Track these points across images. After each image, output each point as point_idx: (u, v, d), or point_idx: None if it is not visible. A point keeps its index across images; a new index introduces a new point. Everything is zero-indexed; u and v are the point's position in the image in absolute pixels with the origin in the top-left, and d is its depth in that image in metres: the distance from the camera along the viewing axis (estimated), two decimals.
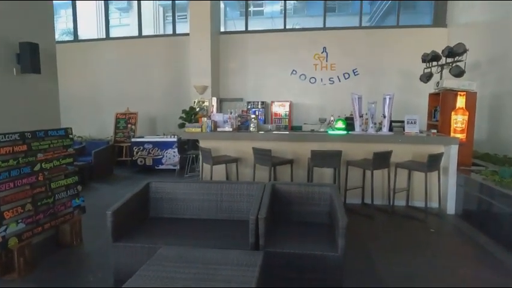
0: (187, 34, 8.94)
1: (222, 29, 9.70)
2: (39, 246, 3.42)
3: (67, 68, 9.97)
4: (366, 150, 4.98)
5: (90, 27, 10.82)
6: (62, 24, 12.08)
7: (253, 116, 5.77)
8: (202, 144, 5.60)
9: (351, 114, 5.87)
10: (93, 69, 9.91)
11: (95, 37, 10.46)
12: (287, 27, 9.41)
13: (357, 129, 5.28)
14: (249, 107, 9.02)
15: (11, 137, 3.08)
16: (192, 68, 8.89)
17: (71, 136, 3.86)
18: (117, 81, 9.83)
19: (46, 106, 3.66)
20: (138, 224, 3.20)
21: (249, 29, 9.54)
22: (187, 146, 7.27)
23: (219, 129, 5.61)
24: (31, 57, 3.19)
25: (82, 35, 10.52)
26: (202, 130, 5.57)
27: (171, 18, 10.11)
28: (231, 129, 5.54)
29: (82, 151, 8.04)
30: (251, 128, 5.52)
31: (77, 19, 10.15)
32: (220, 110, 9.10)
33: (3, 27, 3.11)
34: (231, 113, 5.85)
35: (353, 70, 8.89)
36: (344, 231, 2.64)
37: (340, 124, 5.38)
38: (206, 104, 7.81)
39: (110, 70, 9.83)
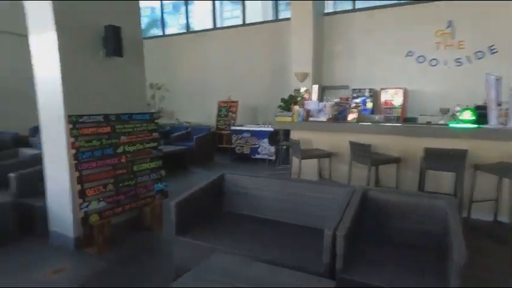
0: (289, 19, 8.42)
1: (326, 10, 8.76)
2: (119, 226, 3.52)
3: (180, 57, 10.88)
4: (503, 151, 3.58)
5: (203, 20, 11.47)
6: (182, 20, 13.17)
7: (354, 103, 4.86)
8: (293, 135, 5.04)
9: (485, 103, 4.32)
10: (201, 58, 10.47)
11: (205, 28, 10.99)
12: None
13: (493, 121, 3.82)
14: (354, 95, 7.93)
15: (95, 118, 3.18)
16: (293, 54, 8.36)
17: (156, 121, 3.88)
18: (221, 70, 10.12)
19: (132, 90, 3.73)
20: (208, 218, 2.90)
21: (357, 7, 8.32)
22: (281, 137, 6.83)
23: (311, 119, 4.94)
24: (114, 41, 3.22)
25: (195, 27, 11.25)
26: (292, 119, 5.01)
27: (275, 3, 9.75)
28: (324, 119, 4.79)
29: (187, 136, 8.55)
30: (350, 118, 4.65)
31: (190, 12, 10.91)
32: (321, 98, 8.32)
33: (92, 11, 3.20)
34: (328, 101, 5.08)
35: (490, 47, 6.75)
36: (459, 269, 1.72)
37: (467, 115, 4.00)
38: (304, 91, 7.17)
39: (216, 59, 10.18)
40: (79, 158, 3.01)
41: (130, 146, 3.51)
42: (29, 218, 3.50)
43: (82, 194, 3.01)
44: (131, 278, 2.76)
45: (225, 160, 8.18)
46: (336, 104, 4.96)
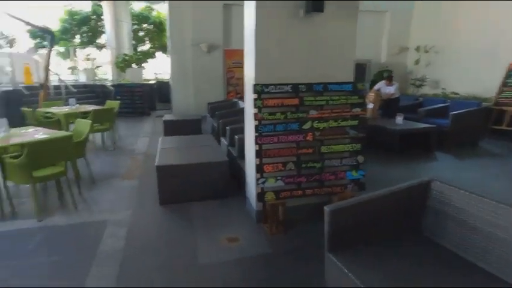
0: None
1: None
2: (302, 210, 3.17)
3: (457, 13, 8.33)
4: None
5: None
6: None
7: None
8: None
9: None
10: (485, 15, 7.48)
11: None
12: None
13: None
14: None
15: (283, 88, 2.84)
16: None
17: (361, 93, 3.02)
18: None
19: (333, 55, 3.00)
20: (387, 237, 1.97)
21: None
22: None
23: None
24: None
25: None
26: None
27: None
28: None
29: (442, 111, 6.67)
30: None
31: None
32: None
33: None
34: None
35: None
36: None
37: None
38: None
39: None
40: (260, 131, 2.84)
41: (320, 123, 2.95)
42: (238, 178, 3.89)
43: (259, 168, 2.87)
44: (281, 276, 2.38)
45: (498, 148, 5.71)
46: None
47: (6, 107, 7.47)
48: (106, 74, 14.46)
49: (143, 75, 14.38)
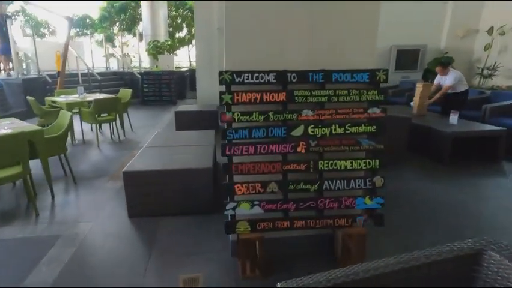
0: None
1: None
2: (288, 243, 2.32)
3: None
4: None
5: None
6: None
7: None
8: None
9: None
10: None
11: None
12: None
13: None
14: None
15: (263, 77, 1.98)
16: None
17: (383, 86, 2.05)
18: None
19: (346, 27, 2.05)
20: None
21: None
22: None
23: None
24: None
25: None
26: None
27: None
28: None
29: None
30: None
31: None
32: None
33: None
34: None
35: None
36: None
37: None
38: None
39: None
40: (229, 137, 2.02)
41: (317, 128, 2.05)
42: None
43: (228, 189, 2.07)
44: None
45: None
46: None
47: (29, 95, 7.45)
48: (143, 62, 14.44)
49: (176, 63, 14.09)
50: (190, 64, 15.97)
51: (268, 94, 2.00)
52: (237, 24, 2.00)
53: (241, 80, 1.97)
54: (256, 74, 1.97)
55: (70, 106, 5.23)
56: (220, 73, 1.96)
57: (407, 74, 8.51)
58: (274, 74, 1.98)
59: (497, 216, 2.98)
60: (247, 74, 1.97)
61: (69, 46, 7.71)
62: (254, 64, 2.02)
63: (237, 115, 2.00)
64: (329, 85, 2.03)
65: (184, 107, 7.01)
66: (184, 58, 19.09)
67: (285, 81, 2.00)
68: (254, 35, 2.03)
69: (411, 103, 5.53)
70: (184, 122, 5.94)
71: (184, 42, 16.59)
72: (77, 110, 5.29)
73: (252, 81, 1.98)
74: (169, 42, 13.37)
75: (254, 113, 2.01)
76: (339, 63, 2.06)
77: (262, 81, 1.98)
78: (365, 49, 2.14)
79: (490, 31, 7.49)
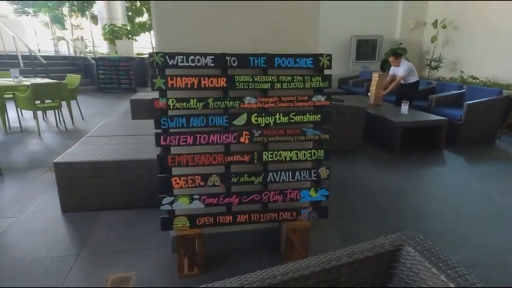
0: None
1: None
2: (230, 238, 2.22)
3: None
4: None
5: None
6: None
7: None
8: None
9: None
10: None
11: None
12: None
13: None
14: None
15: (199, 59, 1.81)
16: None
17: (327, 72, 1.96)
18: None
19: (288, 9, 1.94)
20: None
21: None
22: None
23: None
24: None
25: None
26: None
27: None
28: None
29: (456, 100, 5.50)
30: None
31: None
32: None
33: None
34: None
35: None
36: None
37: None
38: None
39: None
40: (164, 126, 1.85)
41: (261, 117, 1.93)
42: None
43: (164, 182, 1.91)
44: None
45: None
46: None
47: None
48: (100, 47, 13.52)
49: (137, 49, 13.39)
50: (153, 50, 15.28)
51: (206, 79, 1.84)
52: (169, 1, 1.81)
53: (174, 62, 1.79)
54: (192, 57, 1.79)
55: (1, 90, 4.69)
56: (151, 55, 1.76)
57: (367, 65, 8.68)
58: (212, 57, 1.82)
59: (435, 204, 3.08)
60: (181, 57, 1.78)
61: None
62: (190, 47, 1.85)
63: (172, 101, 1.82)
64: (271, 71, 1.91)
65: (140, 94, 6.64)
66: (146, 45, 18.20)
67: (225, 65, 1.84)
68: (188, 13, 1.85)
69: (369, 93, 5.62)
70: (141, 110, 5.62)
71: (144, 27, 15.73)
72: (10, 95, 4.77)
73: (187, 64, 1.80)
74: (127, 27, 12.61)
75: (192, 100, 1.84)
76: (281, 49, 1.94)
77: (199, 64, 1.81)
78: (308, 34, 2.03)
79: (435, 24, 7.80)
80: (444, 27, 7.70)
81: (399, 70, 5.40)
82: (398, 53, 5.77)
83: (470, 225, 2.67)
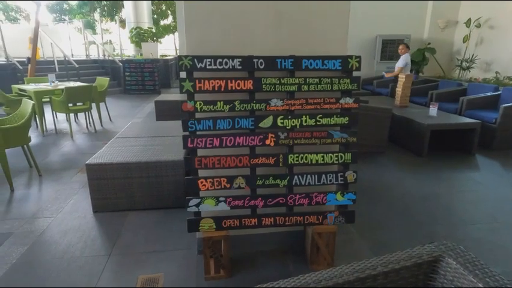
0: None
1: None
2: (257, 241, 2.21)
3: None
4: None
5: None
6: None
7: None
8: None
9: None
10: None
11: None
12: None
13: None
14: None
15: (226, 63, 1.82)
16: None
17: (356, 74, 1.92)
18: None
19: (316, 11, 1.91)
20: None
21: None
22: None
23: None
24: None
25: None
26: None
27: None
28: None
29: (489, 102, 5.23)
30: None
31: None
32: None
33: None
34: None
35: None
36: None
37: None
38: None
39: None
40: (192, 128, 1.87)
41: (287, 119, 1.91)
42: None
43: (191, 184, 1.93)
44: None
45: None
46: None
47: None
48: (126, 49, 13.99)
49: (161, 51, 13.69)
50: (176, 52, 15.56)
51: (233, 82, 1.84)
52: (199, 4, 1.83)
53: (203, 65, 1.81)
54: (220, 60, 1.81)
55: (38, 95, 4.95)
56: (180, 58, 1.79)
57: (392, 65, 8.44)
58: (240, 59, 1.83)
59: (469, 210, 2.93)
60: (209, 60, 1.80)
61: (41, 32, 7.30)
62: (218, 49, 1.87)
63: (200, 104, 1.84)
64: (298, 73, 1.90)
65: (165, 96, 6.77)
66: (170, 46, 18.62)
67: (252, 67, 1.84)
68: (217, 18, 1.86)
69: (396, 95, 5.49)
70: (165, 111, 5.73)
71: (169, 29, 16.11)
72: (47, 99, 5.01)
73: (215, 67, 1.82)
74: (153, 30, 12.95)
75: (219, 102, 1.85)
76: (309, 50, 1.92)
77: (226, 67, 1.82)
78: (337, 35, 2.00)
79: (468, 23, 7.47)
80: (478, 26, 7.36)
81: (399, 61, 5.63)
82: (403, 44, 6.01)
83: (509, 235, 2.52)
